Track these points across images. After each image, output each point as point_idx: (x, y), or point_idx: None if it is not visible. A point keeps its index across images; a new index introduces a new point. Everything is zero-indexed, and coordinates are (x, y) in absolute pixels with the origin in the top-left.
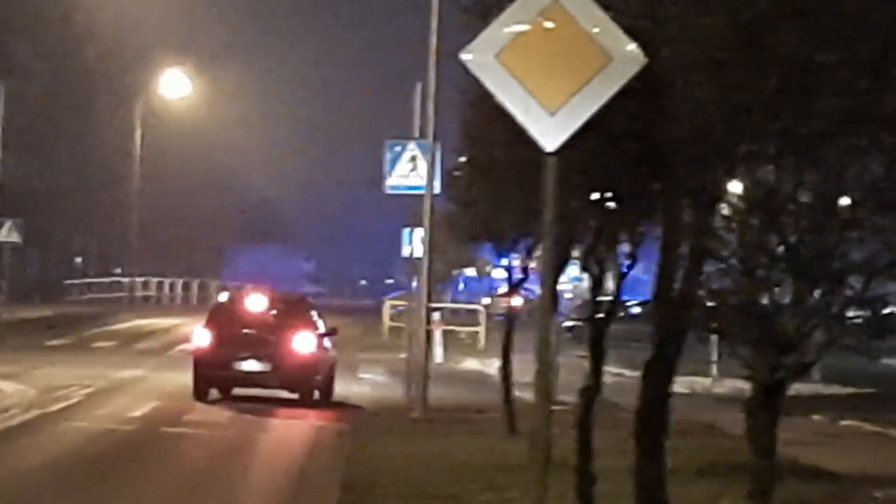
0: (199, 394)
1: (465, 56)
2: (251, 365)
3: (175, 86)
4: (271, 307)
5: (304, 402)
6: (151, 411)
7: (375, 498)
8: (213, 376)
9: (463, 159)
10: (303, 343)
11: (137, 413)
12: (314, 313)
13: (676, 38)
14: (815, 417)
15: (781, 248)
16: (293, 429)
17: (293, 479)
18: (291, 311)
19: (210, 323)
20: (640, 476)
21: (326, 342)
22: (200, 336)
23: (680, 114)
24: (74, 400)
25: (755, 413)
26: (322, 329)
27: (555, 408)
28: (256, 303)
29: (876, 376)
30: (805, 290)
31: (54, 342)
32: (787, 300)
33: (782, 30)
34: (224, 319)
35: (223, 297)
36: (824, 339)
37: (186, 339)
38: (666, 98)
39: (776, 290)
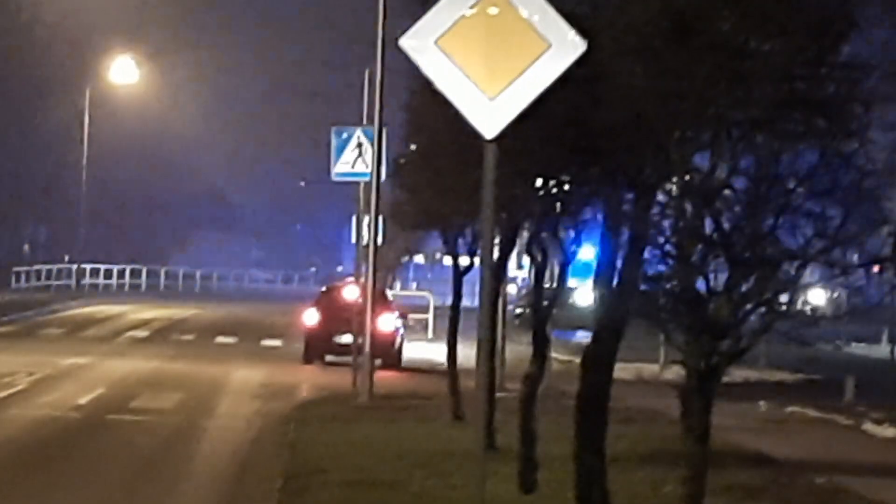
0: (309, 360)
1: (404, 42)
2: (347, 339)
3: (124, 72)
4: (360, 296)
5: (386, 366)
6: (97, 398)
7: (318, 485)
8: (319, 347)
9: (413, 147)
10: (384, 323)
11: (83, 400)
12: (391, 302)
13: (612, 24)
14: (761, 404)
15: (716, 234)
16: (238, 416)
17: (237, 465)
18: (375, 299)
19: (316, 307)
20: (580, 463)
21: (399, 322)
22: (310, 317)
23: (614, 100)
24: (19, 387)
25: (689, 399)
26: (396, 313)
27: (500, 395)
28: (349, 292)
29: (824, 363)
30: (739, 276)
31: (0, 329)
32: (721, 286)
33: (717, 16)
34: (326, 305)
35: (324, 288)
36: (758, 325)
37: (136, 326)
38: (601, 84)
39: (710, 276)
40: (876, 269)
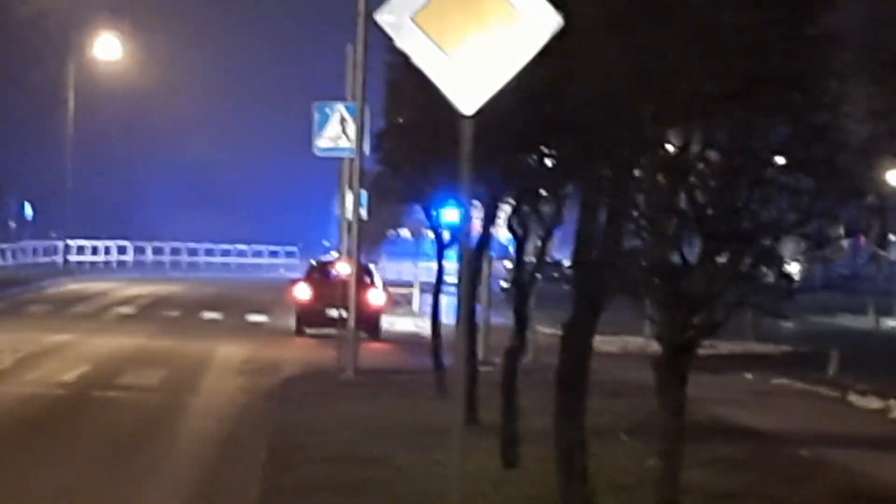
0: (300, 332)
1: (380, 17)
2: (335, 312)
3: (108, 48)
4: (347, 271)
5: (371, 338)
6: (82, 375)
7: (301, 461)
8: (309, 320)
9: (400, 121)
10: (370, 297)
11: (68, 377)
12: (376, 277)
13: None
14: (747, 376)
15: (690, 208)
16: (222, 392)
17: (220, 441)
18: (361, 274)
19: (306, 281)
20: (560, 438)
21: (382, 297)
22: (301, 291)
23: (588, 75)
24: (5, 365)
25: (665, 373)
26: (380, 288)
27: (484, 369)
28: (338, 267)
29: (810, 334)
30: (713, 249)
31: None
32: (695, 260)
33: None
34: (316, 279)
35: (313, 262)
36: (733, 298)
37: (122, 303)
38: (575, 59)
39: (685, 249)
40: (863, 241)
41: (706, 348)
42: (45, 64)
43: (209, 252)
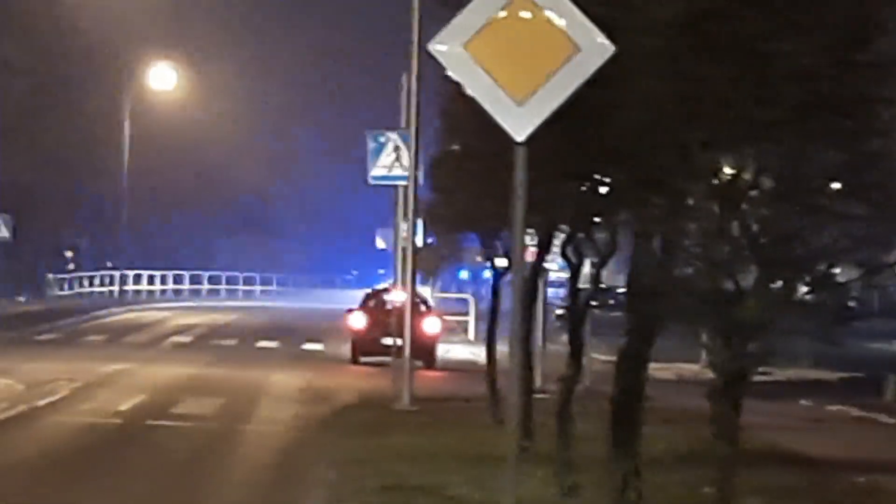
0: (355, 360)
1: (433, 46)
2: (390, 340)
3: (162, 79)
4: (402, 299)
5: (426, 366)
6: (138, 405)
7: (355, 492)
8: (364, 348)
9: (455, 148)
10: (426, 326)
11: (123, 407)
12: (431, 306)
13: (635, 26)
14: (802, 403)
15: (743, 236)
16: (278, 421)
17: (274, 471)
18: (416, 302)
19: (361, 309)
20: (614, 465)
21: (437, 325)
22: (356, 319)
23: (637, 102)
24: (61, 394)
25: (719, 400)
26: (435, 316)
27: (539, 396)
28: (393, 296)
29: (867, 360)
30: (767, 277)
31: (43, 337)
32: (749, 287)
33: (740, 17)
34: (371, 307)
35: (368, 291)
36: (787, 326)
37: (177, 332)
38: (624, 87)
39: (738, 277)
40: None
41: (761, 375)
42: (100, 95)
43: (265, 280)
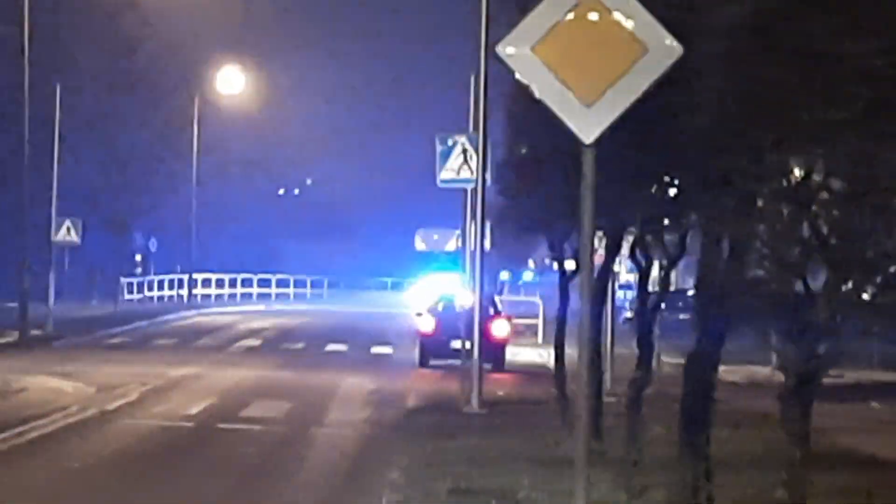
0: (424, 364)
1: (501, 49)
2: (459, 343)
3: (230, 82)
4: (471, 302)
5: (495, 369)
6: (208, 408)
7: (424, 495)
8: (433, 351)
9: (524, 150)
10: (495, 329)
11: (194, 410)
12: (499, 309)
13: (702, 27)
14: (873, 405)
15: (813, 237)
16: (347, 424)
17: (343, 474)
18: (485, 305)
19: (430, 312)
20: (684, 468)
21: (506, 328)
22: (425, 322)
23: (706, 104)
24: (132, 397)
25: (789, 402)
26: (504, 319)
27: (608, 399)
28: (461, 298)
29: None
30: (837, 278)
31: (113, 340)
32: (819, 289)
33: (806, 19)
34: (439, 310)
35: (436, 295)
36: (857, 327)
37: (246, 335)
38: (693, 89)
39: (808, 278)
40: None
41: (831, 377)
42: (169, 99)
43: (332, 284)
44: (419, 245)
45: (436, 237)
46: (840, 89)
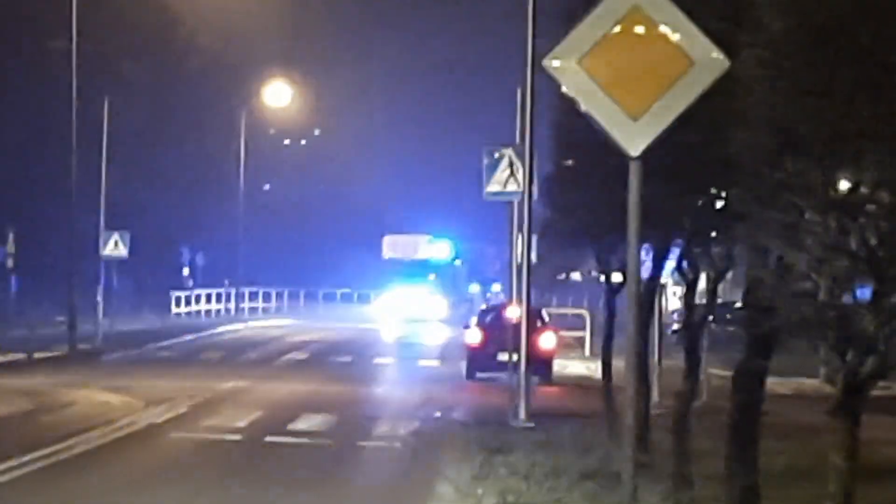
0: (471, 376)
1: (547, 63)
2: (506, 356)
3: (278, 95)
4: (518, 314)
5: (542, 382)
6: (256, 421)
7: None
8: (480, 364)
9: (569, 163)
10: (542, 341)
11: (242, 423)
12: (546, 321)
13: (751, 40)
14: None
15: (861, 249)
16: (395, 437)
17: (391, 488)
18: (532, 318)
19: (477, 325)
20: (733, 481)
21: (553, 340)
22: (472, 335)
23: (754, 117)
24: (180, 410)
25: (837, 414)
26: (551, 332)
27: (655, 412)
28: (509, 311)
29: None
30: (885, 290)
31: (161, 354)
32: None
33: (856, 29)
34: (486, 323)
35: (484, 307)
36: None
37: (293, 349)
38: (741, 101)
39: (857, 291)
40: None
41: (880, 389)
42: (217, 113)
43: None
44: (386, 252)
45: (404, 244)
46: (889, 102)
